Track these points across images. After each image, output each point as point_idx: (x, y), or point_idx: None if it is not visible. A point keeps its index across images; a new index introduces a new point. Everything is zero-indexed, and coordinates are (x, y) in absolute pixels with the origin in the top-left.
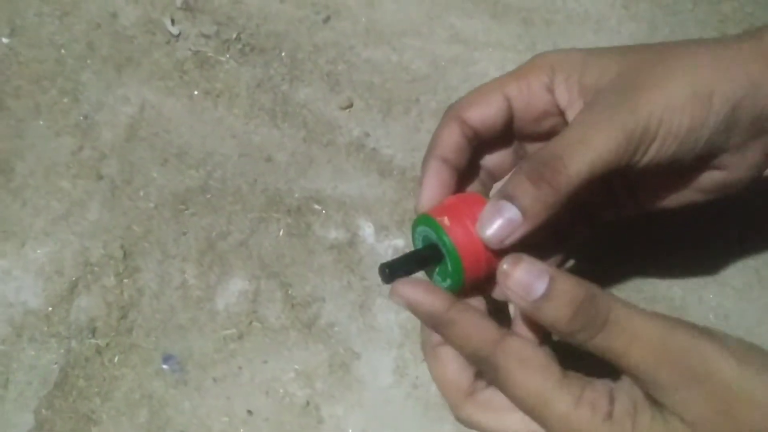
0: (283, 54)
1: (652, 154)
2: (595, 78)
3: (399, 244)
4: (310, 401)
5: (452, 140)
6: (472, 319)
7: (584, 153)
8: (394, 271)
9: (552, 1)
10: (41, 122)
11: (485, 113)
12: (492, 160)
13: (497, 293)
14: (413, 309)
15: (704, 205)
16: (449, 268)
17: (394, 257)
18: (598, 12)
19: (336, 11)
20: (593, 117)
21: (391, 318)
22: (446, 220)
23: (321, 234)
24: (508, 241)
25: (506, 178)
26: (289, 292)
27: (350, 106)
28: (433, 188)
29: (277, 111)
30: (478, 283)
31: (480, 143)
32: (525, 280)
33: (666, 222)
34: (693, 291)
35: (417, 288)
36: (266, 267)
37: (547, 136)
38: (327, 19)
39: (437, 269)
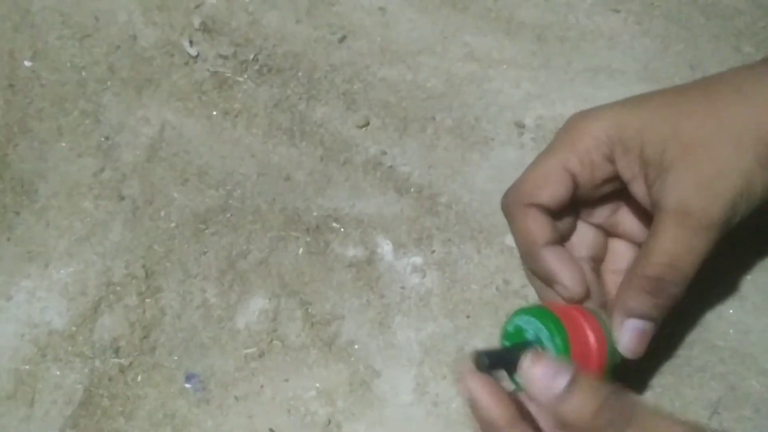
0: (300, 74)
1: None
2: (657, 154)
3: (417, 261)
4: (331, 419)
5: (542, 227)
6: None
7: (693, 260)
8: (493, 363)
9: (565, 17)
10: (63, 144)
11: (556, 193)
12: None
13: None
14: (473, 406)
15: None
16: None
17: (491, 348)
18: (611, 28)
19: (351, 31)
20: (681, 233)
21: (411, 336)
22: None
23: (339, 252)
24: (643, 350)
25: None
26: (309, 310)
27: (367, 124)
28: (571, 274)
29: (295, 130)
30: None
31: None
32: (547, 373)
33: None
34: (712, 306)
35: (485, 388)
36: (286, 285)
37: (604, 196)
38: (343, 39)
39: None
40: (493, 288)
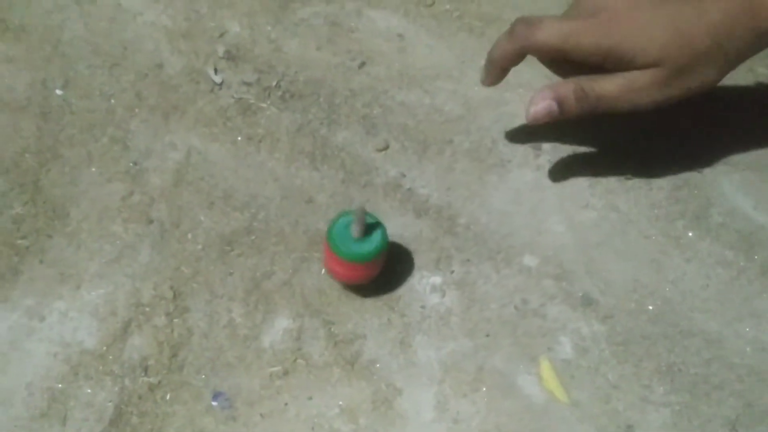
0: (321, 99)
1: None
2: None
3: (436, 281)
4: None
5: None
6: None
7: (611, 108)
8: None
9: None
10: (93, 169)
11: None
12: None
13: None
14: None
15: (737, 239)
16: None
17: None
18: None
19: (370, 57)
20: (627, 93)
21: (432, 354)
22: None
23: None
24: (539, 120)
25: None
26: (332, 329)
27: (386, 147)
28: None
29: (317, 154)
30: None
31: None
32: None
33: (699, 255)
34: (729, 324)
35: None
36: (309, 305)
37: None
38: (362, 65)
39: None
40: (512, 307)
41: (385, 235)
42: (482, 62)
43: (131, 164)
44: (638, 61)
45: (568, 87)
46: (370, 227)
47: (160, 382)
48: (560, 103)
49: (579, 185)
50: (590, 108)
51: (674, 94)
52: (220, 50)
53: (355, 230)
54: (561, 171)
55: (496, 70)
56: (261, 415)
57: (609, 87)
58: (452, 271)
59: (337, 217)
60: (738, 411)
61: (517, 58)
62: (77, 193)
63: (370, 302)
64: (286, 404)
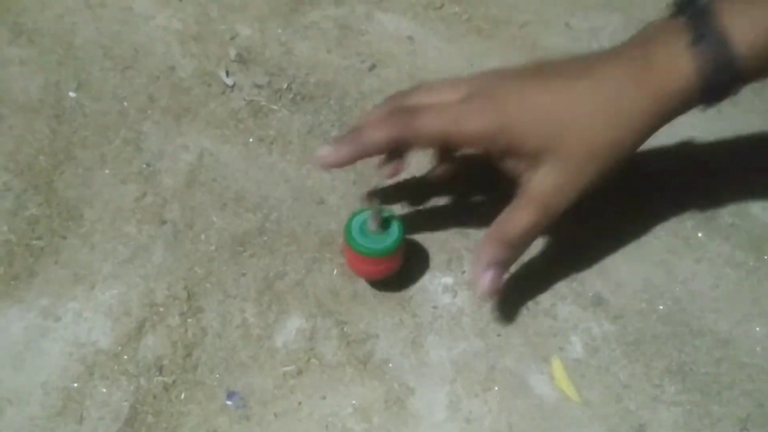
0: (331, 101)
1: None
2: (533, 151)
3: (448, 281)
4: None
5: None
6: None
7: (540, 233)
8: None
9: (589, 44)
10: (107, 171)
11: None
12: None
13: None
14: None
15: (746, 239)
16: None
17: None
18: None
19: (380, 60)
20: (537, 218)
21: (444, 354)
22: None
23: None
24: (496, 291)
25: None
26: (345, 329)
27: None
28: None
29: None
30: None
31: None
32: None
33: (708, 255)
34: (739, 324)
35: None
36: (322, 305)
37: None
38: (372, 67)
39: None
40: (523, 307)
41: (402, 227)
42: (491, 64)
43: (144, 166)
44: (528, 144)
45: (491, 246)
46: (387, 221)
47: (174, 382)
48: (499, 263)
49: None
50: (526, 244)
51: (593, 179)
52: (232, 53)
53: (371, 224)
54: None
55: (356, 153)
56: (275, 414)
57: (523, 216)
58: (464, 272)
59: (354, 215)
60: (749, 410)
61: (390, 147)
62: (91, 195)
63: (382, 302)
64: (299, 403)
